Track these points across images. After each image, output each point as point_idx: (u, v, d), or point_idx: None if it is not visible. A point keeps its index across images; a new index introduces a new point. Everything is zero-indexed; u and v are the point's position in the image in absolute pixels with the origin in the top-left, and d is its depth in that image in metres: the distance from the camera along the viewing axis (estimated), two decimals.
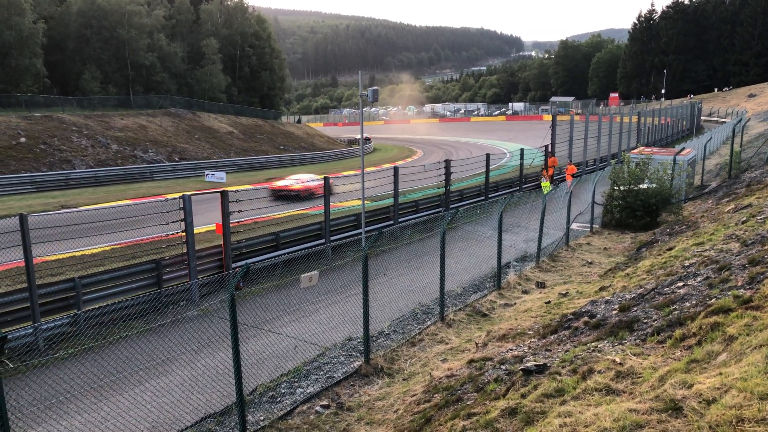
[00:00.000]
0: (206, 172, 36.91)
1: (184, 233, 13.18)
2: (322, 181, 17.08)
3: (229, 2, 75.89)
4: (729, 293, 6.58)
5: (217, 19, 72.56)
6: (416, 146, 68.99)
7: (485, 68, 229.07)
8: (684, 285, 7.89)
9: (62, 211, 22.58)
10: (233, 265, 14.24)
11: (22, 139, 38.62)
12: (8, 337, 9.83)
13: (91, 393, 8.26)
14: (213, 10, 72.41)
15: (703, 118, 70.67)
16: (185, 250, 13.33)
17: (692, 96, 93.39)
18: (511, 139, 67.16)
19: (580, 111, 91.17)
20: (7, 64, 50.63)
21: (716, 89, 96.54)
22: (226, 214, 13.93)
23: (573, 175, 28.34)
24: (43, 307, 11.01)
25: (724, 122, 56.54)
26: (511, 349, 8.17)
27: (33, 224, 10.84)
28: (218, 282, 13.29)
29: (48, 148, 38.98)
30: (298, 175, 29.87)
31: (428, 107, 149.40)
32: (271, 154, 54.60)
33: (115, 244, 16.66)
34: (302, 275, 8.51)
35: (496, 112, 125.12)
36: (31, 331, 10.02)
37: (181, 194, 13.48)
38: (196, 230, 13.92)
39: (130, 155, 43.29)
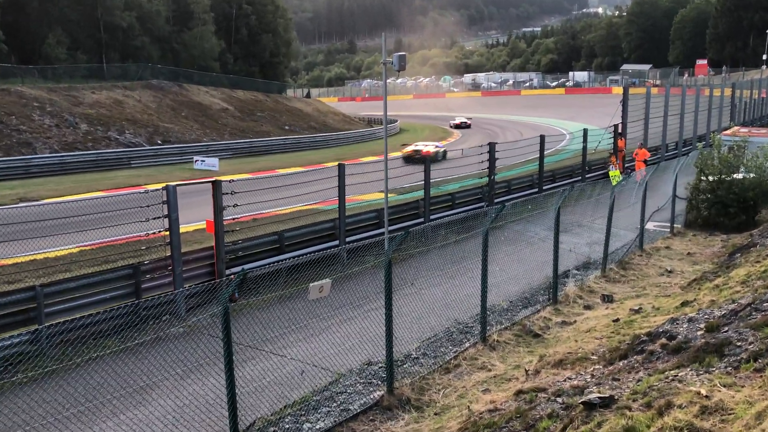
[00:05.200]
0: (195, 157, 37.27)
1: (167, 232, 13.31)
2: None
3: None
4: None
5: None
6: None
7: (540, 29, 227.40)
8: None
9: (21, 205, 22.97)
10: (227, 272, 14.35)
11: None
12: None
13: (54, 425, 8.39)
14: None
15: None
16: (169, 253, 13.46)
17: None
18: (571, 118, 66.59)
19: (658, 82, 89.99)
20: None
21: None
22: (218, 210, 14.04)
23: (645, 162, 28.08)
24: None
25: None
26: (569, 378, 8.13)
27: None
28: (209, 292, 13.40)
29: (4, 128, 39.67)
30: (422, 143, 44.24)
31: (468, 78, 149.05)
32: (274, 136, 54.92)
33: (85, 245, 16.89)
34: (311, 284, 8.55)
35: (554, 84, 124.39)
36: None
37: (164, 185, 13.62)
38: (182, 229, 14.03)
39: (103, 137, 43.90)
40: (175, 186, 13.54)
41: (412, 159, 36.57)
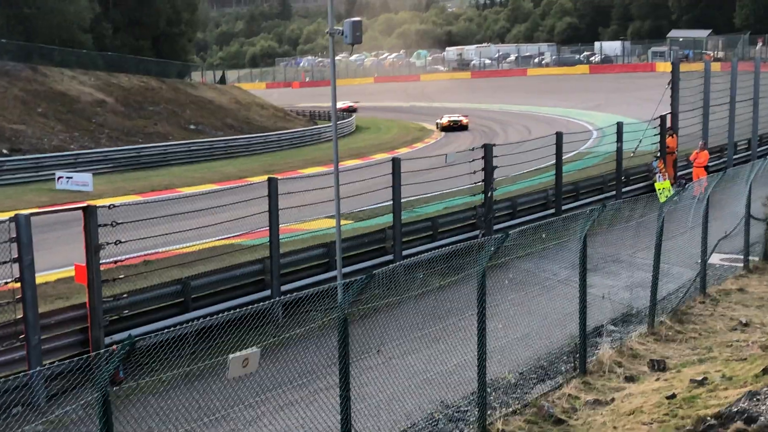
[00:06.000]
0: (58, 173, 36.89)
1: (17, 284, 13.11)
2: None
3: None
4: None
5: None
6: (431, 120, 69.21)
7: None
8: None
9: None
10: (107, 340, 14.15)
11: None
12: None
13: None
14: None
15: None
16: (21, 315, 13.25)
17: None
18: (599, 107, 67.52)
19: (721, 55, 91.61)
20: None
21: None
22: (93, 249, 13.88)
23: (705, 168, 28.35)
24: None
25: None
26: None
27: None
28: (81, 371, 13.20)
29: None
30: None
31: (452, 52, 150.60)
32: (175, 140, 54.71)
33: None
34: (231, 356, 8.46)
35: (578, 57, 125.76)
36: None
37: (12, 214, 13.43)
38: (40, 278, 13.83)
39: None
40: (29, 216, 13.36)
41: (450, 128, 60.92)
